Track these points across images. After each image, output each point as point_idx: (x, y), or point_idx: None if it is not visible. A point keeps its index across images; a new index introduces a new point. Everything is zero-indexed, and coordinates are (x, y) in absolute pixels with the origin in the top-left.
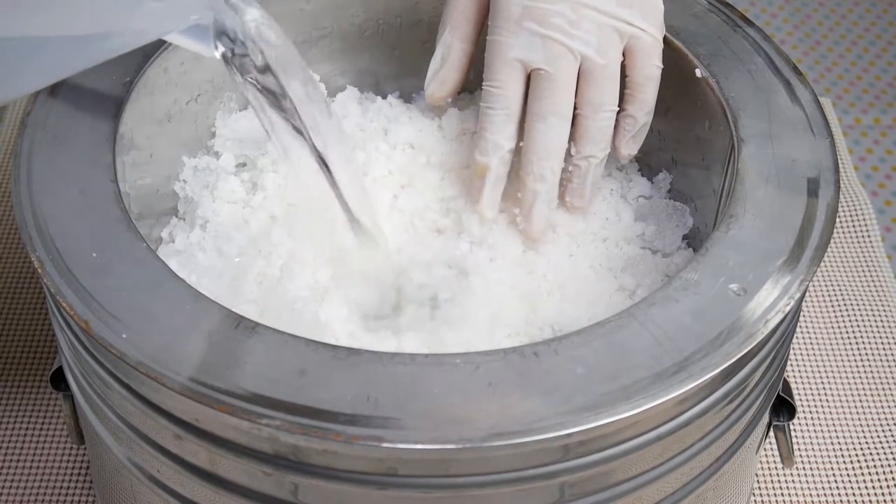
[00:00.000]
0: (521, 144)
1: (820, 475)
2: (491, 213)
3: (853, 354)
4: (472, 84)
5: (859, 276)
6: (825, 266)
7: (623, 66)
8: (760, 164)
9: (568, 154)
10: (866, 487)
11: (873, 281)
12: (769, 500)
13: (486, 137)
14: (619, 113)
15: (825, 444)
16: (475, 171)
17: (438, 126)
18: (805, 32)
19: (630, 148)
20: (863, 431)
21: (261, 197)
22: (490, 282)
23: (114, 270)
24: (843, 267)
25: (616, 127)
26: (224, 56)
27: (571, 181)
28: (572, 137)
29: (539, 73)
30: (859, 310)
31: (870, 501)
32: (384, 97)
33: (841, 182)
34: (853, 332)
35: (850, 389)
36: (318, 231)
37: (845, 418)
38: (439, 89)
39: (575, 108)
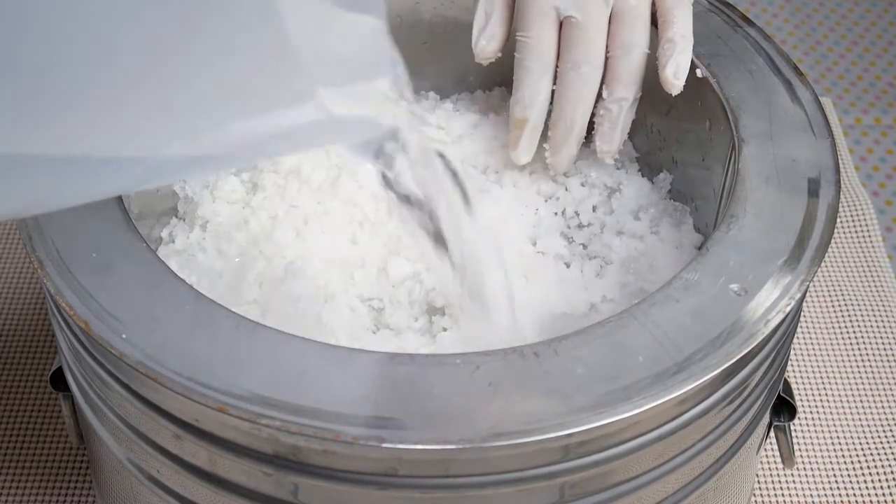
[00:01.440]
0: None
1: (820, 475)
2: (525, 160)
3: (854, 354)
4: (471, 84)
5: (860, 277)
6: (826, 266)
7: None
8: (761, 164)
9: (599, 97)
10: (866, 487)
11: (874, 281)
12: (769, 501)
13: (523, 90)
14: (658, 43)
15: (825, 444)
16: (512, 121)
17: (439, 127)
18: (805, 32)
19: (678, 74)
20: (863, 431)
21: (261, 197)
22: None
23: (114, 270)
24: (844, 267)
25: (659, 57)
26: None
27: (602, 125)
28: (604, 80)
29: (571, 20)
30: (860, 310)
31: (870, 501)
32: None
33: (842, 182)
34: (854, 332)
35: (851, 389)
36: (323, 234)
37: (846, 418)
38: (489, 44)
39: (606, 51)
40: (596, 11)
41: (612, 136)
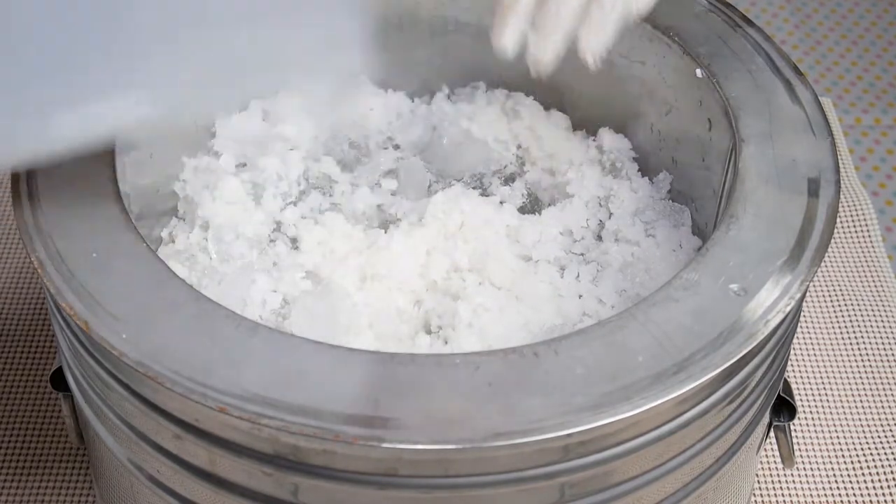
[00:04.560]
0: None
1: (820, 475)
2: (511, 50)
3: (853, 354)
4: (471, 85)
5: (860, 277)
6: (826, 266)
7: None
8: (761, 165)
9: None
10: (866, 487)
11: (874, 281)
12: (769, 500)
13: None
14: None
15: (825, 444)
16: (498, 1)
17: (438, 135)
18: (805, 32)
19: (594, 51)
20: (863, 431)
21: (267, 198)
22: (476, 305)
23: (114, 270)
24: (844, 267)
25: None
26: None
27: (591, 16)
28: None
29: None
30: (860, 310)
31: (870, 501)
32: None
33: (841, 182)
34: (853, 332)
35: (851, 389)
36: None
37: (845, 418)
38: None
39: None
40: None
41: (600, 31)
